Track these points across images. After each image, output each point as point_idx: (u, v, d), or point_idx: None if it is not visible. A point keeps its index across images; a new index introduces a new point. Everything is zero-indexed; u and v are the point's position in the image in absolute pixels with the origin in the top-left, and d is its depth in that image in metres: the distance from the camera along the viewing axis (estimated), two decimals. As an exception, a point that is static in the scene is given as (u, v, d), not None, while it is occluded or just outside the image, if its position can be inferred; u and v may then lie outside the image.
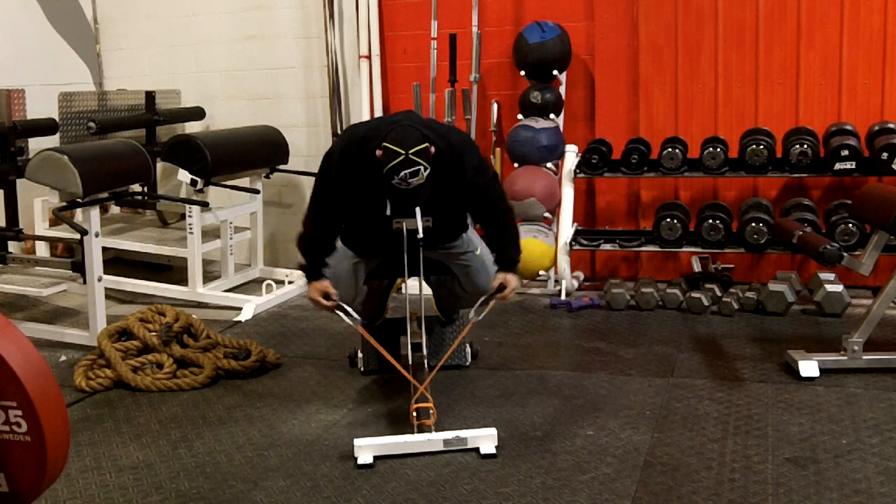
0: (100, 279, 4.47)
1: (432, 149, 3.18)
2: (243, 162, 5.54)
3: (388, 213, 3.34)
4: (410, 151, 3.11)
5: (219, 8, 6.18)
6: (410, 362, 3.47)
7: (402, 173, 3.12)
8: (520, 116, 5.39)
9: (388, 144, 3.13)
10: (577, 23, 5.45)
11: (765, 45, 5.11)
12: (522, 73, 5.37)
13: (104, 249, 4.76)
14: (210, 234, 5.51)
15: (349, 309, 3.50)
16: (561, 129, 5.39)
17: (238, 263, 5.70)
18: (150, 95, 5.77)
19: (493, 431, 3.14)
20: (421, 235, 3.33)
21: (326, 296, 3.48)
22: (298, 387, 3.90)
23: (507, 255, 3.52)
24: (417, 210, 3.31)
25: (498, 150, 5.62)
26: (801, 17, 5.03)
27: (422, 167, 3.13)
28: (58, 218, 4.55)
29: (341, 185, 3.40)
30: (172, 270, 5.87)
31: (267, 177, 5.82)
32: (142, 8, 6.37)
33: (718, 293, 4.86)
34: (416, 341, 3.63)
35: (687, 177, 5.12)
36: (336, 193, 3.43)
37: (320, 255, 3.54)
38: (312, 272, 3.52)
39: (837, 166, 4.73)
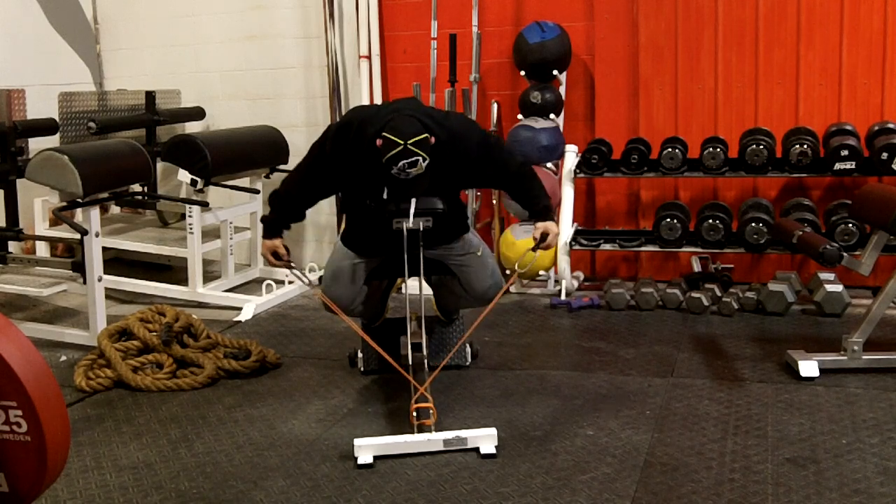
0: (100, 279, 4.47)
1: (432, 139, 3.19)
2: (243, 162, 5.54)
3: (386, 197, 3.34)
4: (409, 142, 3.11)
5: (219, 8, 6.18)
6: (410, 362, 3.47)
7: (401, 163, 3.13)
8: (520, 116, 5.39)
9: (387, 134, 3.14)
10: (577, 23, 5.45)
11: (765, 45, 5.11)
12: (522, 73, 5.37)
13: (104, 249, 4.75)
14: (210, 234, 5.51)
15: (302, 272, 3.59)
16: (561, 129, 5.39)
17: (238, 263, 5.70)
18: (150, 95, 5.77)
19: (493, 431, 3.14)
20: (411, 225, 3.36)
21: (277, 255, 3.61)
22: (298, 387, 3.90)
23: (541, 206, 3.57)
24: (413, 200, 3.33)
25: (498, 150, 5.61)
26: (801, 17, 5.04)
27: (420, 158, 3.13)
28: (58, 218, 4.55)
29: (332, 161, 3.42)
30: (172, 270, 5.87)
31: (267, 177, 5.82)
32: (142, 8, 6.37)
33: (718, 293, 4.86)
34: (416, 341, 3.63)
35: (687, 177, 5.12)
36: (324, 166, 3.46)
37: (285, 217, 3.65)
38: (272, 229, 3.63)
39: (837, 166, 4.73)
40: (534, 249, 3.54)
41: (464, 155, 3.37)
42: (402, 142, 3.11)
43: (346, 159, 3.38)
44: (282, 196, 3.62)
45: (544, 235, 3.50)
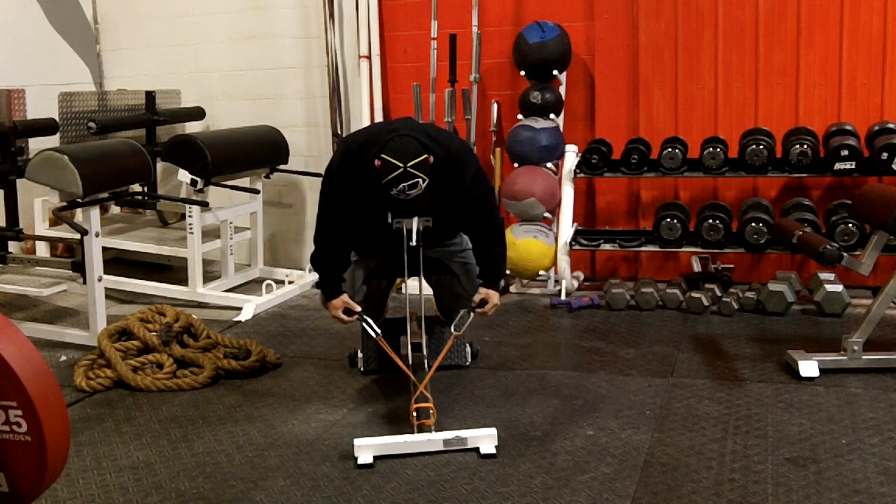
0: (100, 279, 4.47)
1: (431, 158, 3.18)
2: (243, 162, 5.54)
3: (389, 220, 3.34)
4: (409, 164, 3.10)
5: (219, 8, 6.18)
6: (410, 362, 3.47)
7: (401, 185, 3.11)
8: (520, 116, 5.38)
9: (386, 156, 3.12)
10: (577, 23, 5.45)
11: (765, 45, 5.11)
12: (522, 73, 5.37)
13: (104, 249, 4.76)
14: (210, 234, 5.51)
15: (371, 322, 3.49)
16: (561, 129, 5.39)
17: (238, 263, 5.70)
18: (150, 95, 5.77)
19: (493, 431, 3.14)
20: (414, 243, 3.32)
21: (347, 311, 3.48)
22: (298, 387, 3.90)
23: (494, 271, 3.53)
24: (415, 220, 3.31)
25: (498, 150, 5.62)
26: (801, 17, 5.04)
27: (420, 179, 3.12)
28: (58, 218, 4.55)
29: (343, 194, 3.40)
30: (172, 270, 5.87)
31: (267, 177, 5.82)
32: (142, 8, 6.37)
33: (718, 293, 4.86)
34: (416, 341, 3.63)
35: (687, 177, 5.12)
36: (340, 205, 3.42)
37: (336, 271, 3.52)
38: (330, 289, 3.50)
39: (837, 166, 4.73)
40: (469, 312, 3.50)
41: (459, 178, 3.35)
42: (401, 164, 3.10)
43: (352, 186, 3.36)
44: (319, 255, 3.54)
45: (484, 301, 3.46)
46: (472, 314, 3.50)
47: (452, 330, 3.51)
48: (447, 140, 3.37)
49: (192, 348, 4.12)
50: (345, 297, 3.49)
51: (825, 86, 5.05)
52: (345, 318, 3.49)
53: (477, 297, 3.48)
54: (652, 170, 5.10)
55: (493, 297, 3.47)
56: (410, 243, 3.32)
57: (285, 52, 6.08)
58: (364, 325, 3.50)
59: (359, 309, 3.49)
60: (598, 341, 4.39)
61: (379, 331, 3.49)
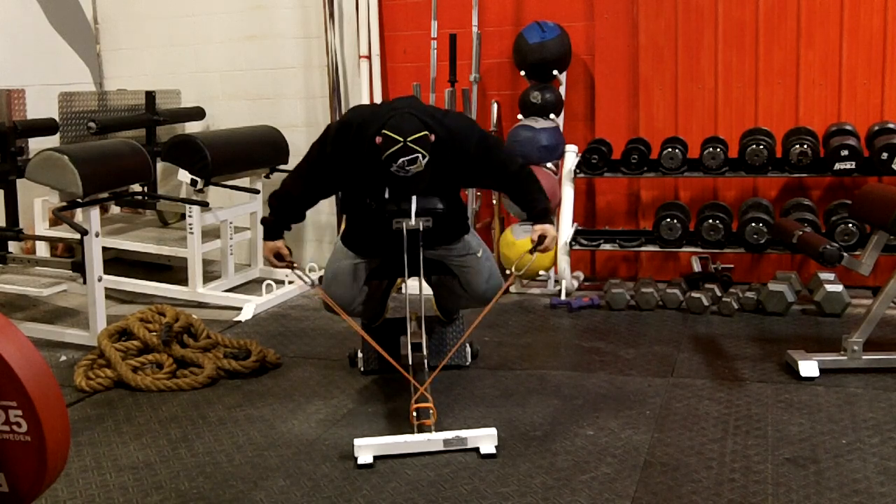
0: (100, 279, 4.47)
1: (432, 136, 3.19)
2: (243, 162, 5.54)
3: (387, 196, 3.34)
4: (409, 139, 3.12)
5: (219, 8, 6.18)
6: (410, 362, 3.47)
7: (401, 161, 3.13)
8: (520, 116, 5.39)
9: (386, 131, 3.14)
10: (577, 23, 5.45)
11: (765, 45, 5.11)
12: (522, 73, 5.37)
13: (104, 249, 4.75)
14: (210, 234, 5.51)
15: (303, 271, 3.60)
16: (561, 129, 5.39)
17: (238, 263, 5.70)
18: (150, 95, 5.77)
19: (493, 431, 3.14)
20: (413, 223, 3.35)
21: (279, 256, 3.60)
22: (298, 387, 3.90)
23: (539, 208, 3.53)
24: (413, 199, 3.33)
25: (498, 150, 5.61)
26: (801, 17, 5.04)
27: (420, 155, 3.14)
28: (58, 218, 4.55)
29: (333, 161, 3.42)
30: (172, 270, 5.87)
31: (267, 177, 5.82)
32: (142, 8, 6.37)
33: (718, 293, 4.86)
34: (416, 341, 3.63)
35: (687, 177, 5.12)
36: (325, 166, 3.45)
37: (286, 217, 3.63)
38: (273, 231, 3.62)
39: (837, 166, 4.73)
40: (531, 251, 3.51)
41: (463, 153, 3.37)
42: (401, 139, 3.12)
43: (347, 159, 3.38)
44: (282, 197, 3.60)
45: (542, 238, 3.47)
46: (533, 254, 3.51)
47: (513, 270, 3.53)
48: (448, 119, 3.38)
49: (192, 348, 4.12)
50: (280, 244, 3.60)
51: (825, 86, 5.06)
52: (275, 261, 3.61)
53: (534, 235, 3.48)
54: (652, 170, 5.10)
55: (550, 230, 3.48)
56: (408, 225, 3.36)
57: (285, 52, 6.08)
58: (298, 274, 3.61)
59: (290, 257, 3.62)
60: (598, 341, 4.39)
61: (313, 280, 3.59)
